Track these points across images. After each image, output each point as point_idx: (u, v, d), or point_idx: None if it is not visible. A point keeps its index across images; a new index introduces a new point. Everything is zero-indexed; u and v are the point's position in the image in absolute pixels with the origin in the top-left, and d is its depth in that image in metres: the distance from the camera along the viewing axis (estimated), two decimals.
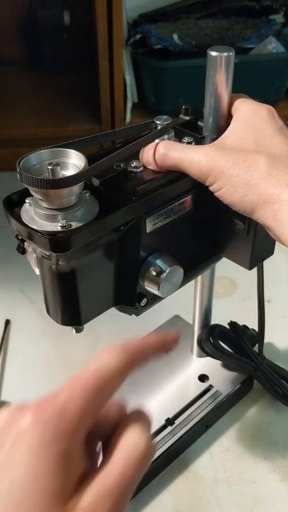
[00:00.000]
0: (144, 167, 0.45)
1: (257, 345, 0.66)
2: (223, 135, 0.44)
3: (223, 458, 0.63)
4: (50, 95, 1.36)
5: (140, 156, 0.45)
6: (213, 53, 0.43)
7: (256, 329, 0.65)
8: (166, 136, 0.45)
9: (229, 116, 0.47)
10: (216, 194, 0.42)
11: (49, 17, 1.36)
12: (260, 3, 1.29)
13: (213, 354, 0.65)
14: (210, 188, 0.42)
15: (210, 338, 0.65)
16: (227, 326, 0.67)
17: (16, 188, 0.42)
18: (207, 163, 0.41)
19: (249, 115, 0.44)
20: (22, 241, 0.43)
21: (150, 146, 0.44)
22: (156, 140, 0.44)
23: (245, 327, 0.69)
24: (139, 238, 0.44)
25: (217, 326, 0.66)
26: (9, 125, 1.23)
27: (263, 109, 0.44)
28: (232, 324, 0.67)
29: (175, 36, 1.20)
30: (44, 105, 1.31)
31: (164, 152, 0.43)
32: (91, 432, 0.29)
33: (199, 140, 0.48)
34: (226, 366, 0.68)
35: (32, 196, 0.40)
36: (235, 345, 0.66)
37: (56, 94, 1.37)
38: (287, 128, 0.44)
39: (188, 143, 0.46)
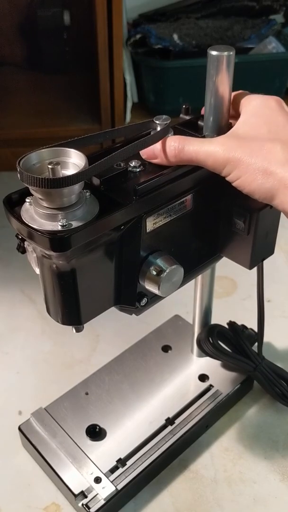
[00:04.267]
0: (143, 162, 0.44)
1: (256, 344, 0.66)
2: (233, 128, 0.44)
3: (223, 458, 0.63)
4: (50, 95, 1.36)
5: (141, 151, 0.44)
6: (214, 53, 0.43)
7: (256, 329, 0.65)
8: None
9: (230, 116, 0.47)
10: (234, 184, 0.42)
11: (49, 17, 1.36)
12: (260, 3, 1.29)
13: (212, 354, 0.65)
14: (228, 178, 0.42)
15: (209, 338, 0.65)
16: (227, 326, 0.67)
17: (16, 188, 0.42)
18: (223, 153, 0.41)
19: (259, 108, 0.44)
20: (22, 240, 0.43)
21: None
22: None
23: (243, 326, 0.69)
24: (139, 237, 0.44)
25: (216, 326, 0.66)
26: (9, 125, 1.23)
27: (272, 101, 0.44)
28: (231, 323, 0.67)
29: (175, 36, 1.20)
30: (44, 105, 1.32)
31: (179, 146, 0.42)
32: None
33: None
34: (226, 366, 0.68)
35: (32, 195, 0.40)
36: (234, 345, 0.66)
37: (56, 94, 1.37)
38: None
39: None
